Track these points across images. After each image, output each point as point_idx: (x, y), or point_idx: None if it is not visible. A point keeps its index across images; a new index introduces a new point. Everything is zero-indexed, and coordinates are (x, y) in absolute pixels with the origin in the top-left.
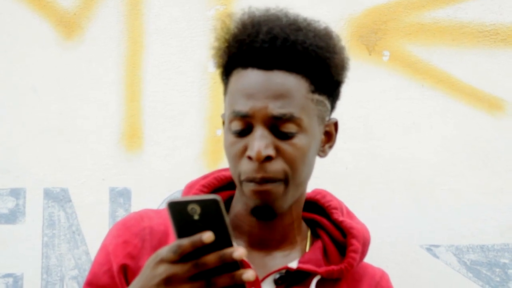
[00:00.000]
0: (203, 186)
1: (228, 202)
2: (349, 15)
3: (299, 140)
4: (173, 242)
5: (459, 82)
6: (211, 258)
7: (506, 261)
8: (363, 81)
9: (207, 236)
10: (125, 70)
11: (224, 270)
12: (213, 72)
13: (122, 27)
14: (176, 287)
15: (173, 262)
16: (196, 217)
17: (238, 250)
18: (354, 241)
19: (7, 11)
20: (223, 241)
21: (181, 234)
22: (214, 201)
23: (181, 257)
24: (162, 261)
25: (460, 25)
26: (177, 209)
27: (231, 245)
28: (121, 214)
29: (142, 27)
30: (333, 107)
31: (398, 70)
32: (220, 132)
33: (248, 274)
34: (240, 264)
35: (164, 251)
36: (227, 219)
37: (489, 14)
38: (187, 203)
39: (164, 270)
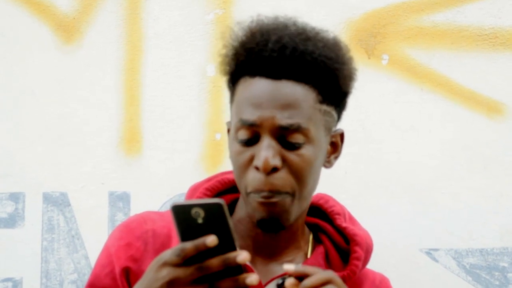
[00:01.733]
0: (207, 189)
1: (232, 205)
2: (348, 19)
3: (306, 150)
4: (177, 245)
5: (458, 85)
6: (214, 261)
7: (506, 264)
8: (362, 85)
9: (211, 240)
10: (124, 74)
11: (228, 274)
12: (212, 76)
13: (121, 32)
14: None
15: (176, 265)
16: (199, 220)
17: (242, 254)
18: (357, 248)
19: (6, 15)
20: (226, 245)
21: (184, 237)
22: (218, 205)
23: (184, 260)
24: (165, 264)
25: (459, 28)
26: (180, 212)
27: (234, 249)
28: (120, 218)
29: (141, 32)
30: (339, 117)
31: (397, 74)
32: (219, 136)
33: (252, 278)
34: (243, 268)
35: (168, 254)
36: (231, 223)
37: (488, 17)
38: (190, 206)
39: (167, 273)
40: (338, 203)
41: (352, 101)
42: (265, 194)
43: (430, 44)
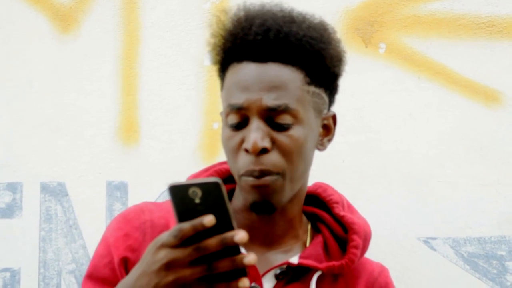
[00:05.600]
0: None
1: (229, 195)
2: (345, 7)
3: (295, 131)
4: (174, 227)
5: (456, 74)
6: (212, 242)
7: (503, 253)
8: (360, 74)
9: (208, 220)
10: (121, 64)
11: (225, 254)
12: (210, 66)
13: (118, 21)
14: (177, 272)
15: (174, 246)
16: (197, 200)
17: (239, 234)
18: (355, 237)
19: (3, 5)
20: (224, 224)
21: (182, 218)
22: (215, 184)
23: (182, 241)
24: (163, 246)
25: (456, 17)
26: (178, 192)
27: (232, 228)
28: (118, 208)
29: (138, 21)
30: (331, 100)
31: (395, 63)
32: (216, 125)
33: (249, 258)
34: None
35: (165, 236)
36: (228, 202)
37: (485, 6)
38: (188, 186)
39: (165, 255)
40: (336, 192)
41: (349, 90)
42: (256, 174)
43: (427, 33)
